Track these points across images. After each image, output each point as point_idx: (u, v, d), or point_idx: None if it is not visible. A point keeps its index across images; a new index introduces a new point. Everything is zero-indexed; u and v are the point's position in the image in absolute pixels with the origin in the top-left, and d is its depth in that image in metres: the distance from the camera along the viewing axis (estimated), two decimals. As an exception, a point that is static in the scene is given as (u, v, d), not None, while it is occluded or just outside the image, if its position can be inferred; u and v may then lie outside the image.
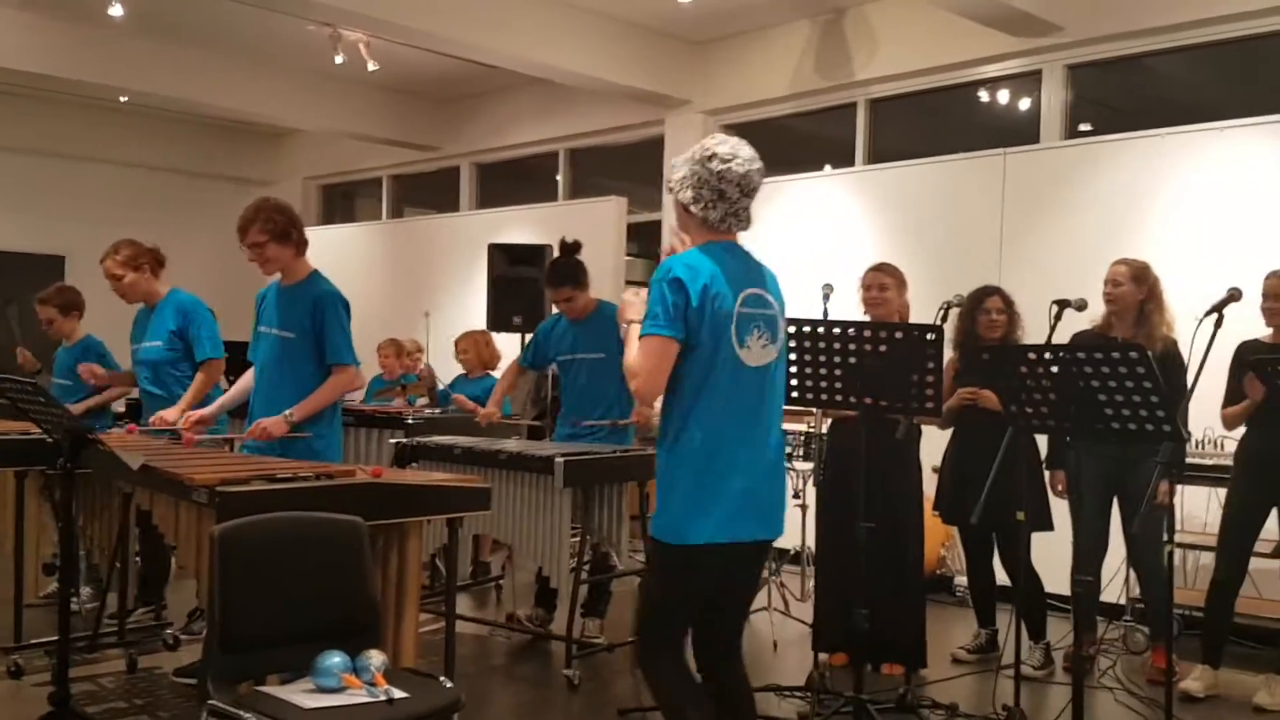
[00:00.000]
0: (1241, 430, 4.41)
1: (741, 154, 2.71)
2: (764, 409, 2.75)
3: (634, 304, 2.80)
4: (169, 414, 4.38)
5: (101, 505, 4.37)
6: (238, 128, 11.20)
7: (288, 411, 3.80)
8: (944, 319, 4.22)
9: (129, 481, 3.65)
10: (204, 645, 2.69)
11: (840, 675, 4.30)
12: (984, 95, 7.30)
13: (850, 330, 3.67)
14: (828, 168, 7.74)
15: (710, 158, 2.69)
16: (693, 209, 2.72)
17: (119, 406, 5.87)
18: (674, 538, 2.69)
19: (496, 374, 7.05)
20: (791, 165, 7.79)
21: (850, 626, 3.68)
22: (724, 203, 2.70)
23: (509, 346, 7.56)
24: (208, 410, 4.23)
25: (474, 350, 6.86)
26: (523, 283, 7.39)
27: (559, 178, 9.64)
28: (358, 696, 2.55)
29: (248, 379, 4.20)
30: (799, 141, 8.40)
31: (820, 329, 3.69)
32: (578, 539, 4.52)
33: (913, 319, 4.58)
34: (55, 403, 3.58)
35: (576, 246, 4.85)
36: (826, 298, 4.58)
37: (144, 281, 4.75)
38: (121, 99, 9.54)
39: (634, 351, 2.69)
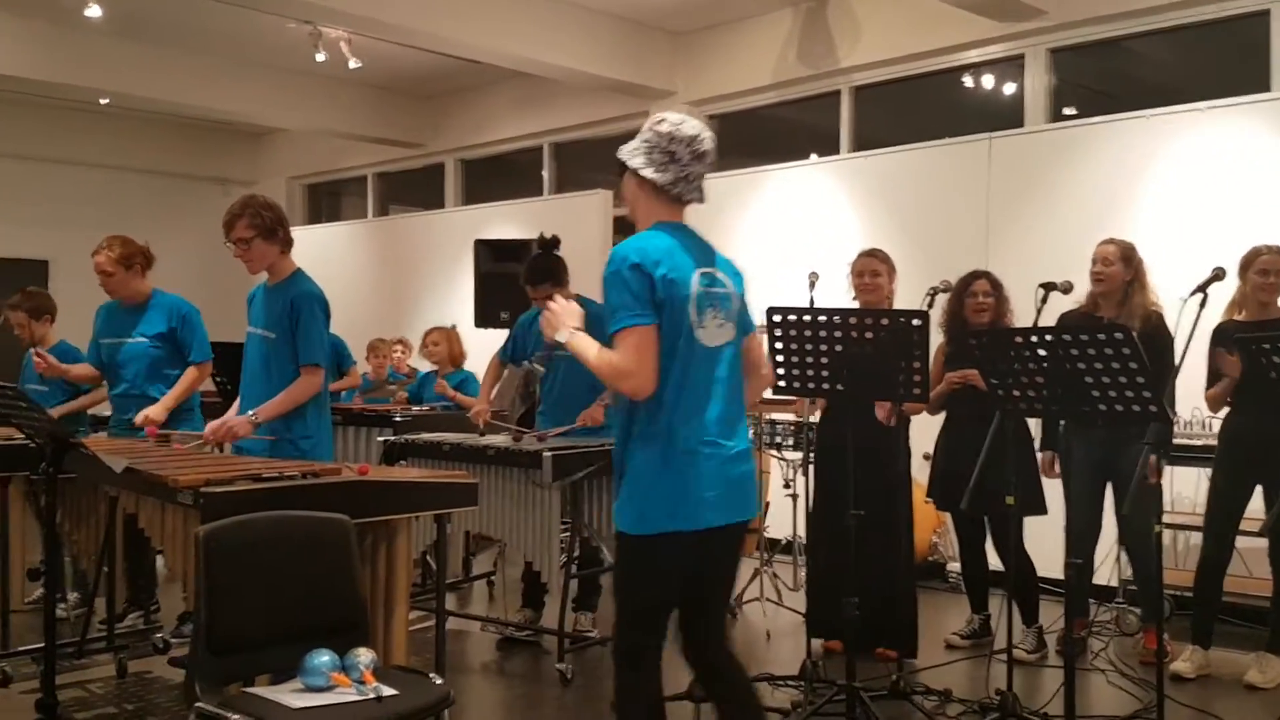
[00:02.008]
0: (1226, 410, 4.41)
1: (691, 120, 2.70)
2: (721, 388, 2.68)
3: (567, 311, 2.70)
4: (154, 411, 4.42)
5: (87, 509, 4.35)
6: (220, 128, 11.14)
7: (252, 412, 3.76)
8: (930, 304, 4.21)
9: (113, 485, 3.62)
10: (191, 647, 2.66)
11: (834, 663, 4.30)
12: (968, 80, 7.29)
13: (836, 318, 3.65)
14: (813, 156, 7.72)
15: (660, 122, 2.69)
16: (644, 173, 2.66)
17: (103, 410, 5.83)
18: (644, 527, 2.61)
19: (470, 369, 7.04)
20: (776, 154, 7.78)
21: (844, 614, 3.68)
22: (675, 165, 2.65)
23: (496, 342, 7.54)
24: (154, 410, 4.38)
25: (445, 344, 6.82)
26: (509, 278, 7.34)
27: (544, 172, 9.62)
28: (346, 695, 2.53)
29: (188, 378, 4.51)
30: (784, 131, 8.39)
31: (806, 317, 3.67)
32: (568, 533, 4.51)
33: (899, 305, 4.58)
34: (36, 407, 3.55)
35: (555, 242, 4.82)
36: (813, 285, 4.56)
37: (133, 279, 4.75)
38: (102, 101, 9.48)
39: (596, 353, 2.60)
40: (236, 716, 2.41)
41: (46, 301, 5.41)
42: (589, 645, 4.75)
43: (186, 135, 11.13)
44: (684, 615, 2.78)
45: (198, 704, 2.52)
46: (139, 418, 4.34)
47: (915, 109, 7.73)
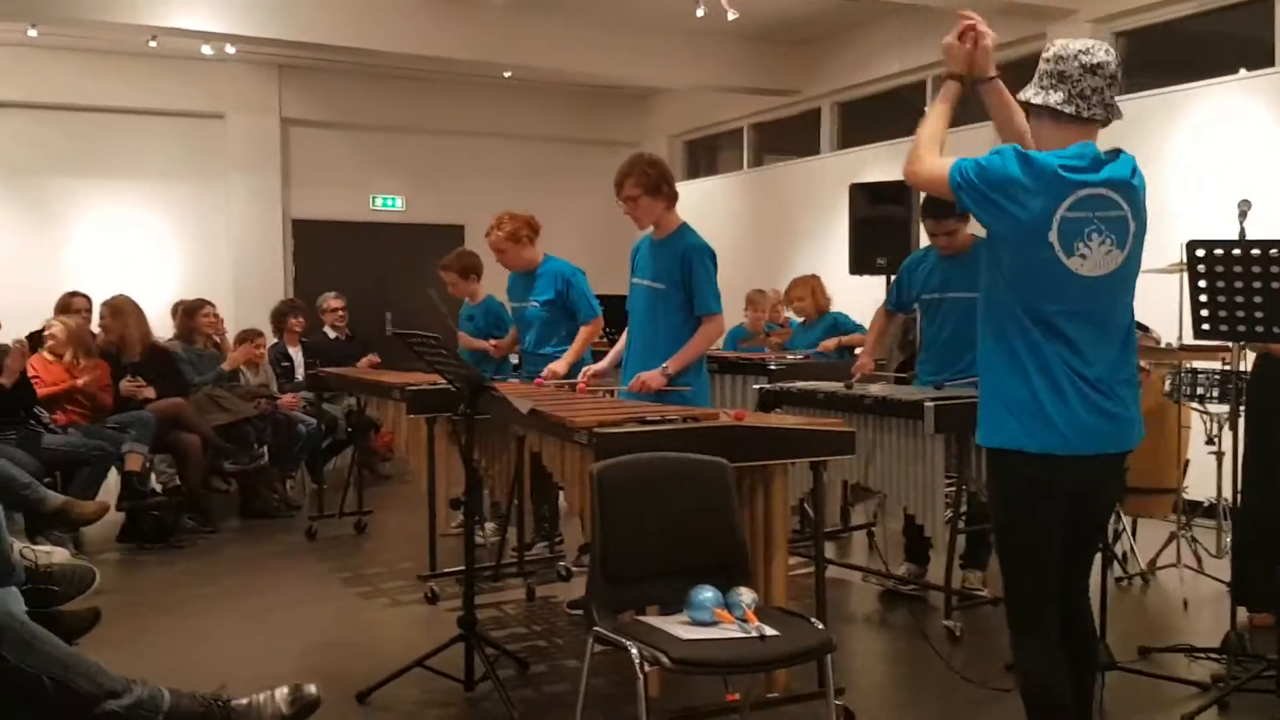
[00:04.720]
0: None
1: (1081, 39, 2.60)
2: (1105, 320, 2.55)
3: (960, 52, 2.85)
4: (558, 366, 4.73)
5: (500, 447, 4.78)
6: (607, 92, 11.73)
7: (664, 365, 3.94)
8: (1394, 232, 3.55)
9: (521, 425, 3.93)
10: (588, 577, 2.83)
11: (1261, 639, 3.79)
12: None
13: (1273, 251, 3.20)
14: (1241, 71, 6.76)
15: (1046, 50, 2.62)
16: (1034, 100, 2.58)
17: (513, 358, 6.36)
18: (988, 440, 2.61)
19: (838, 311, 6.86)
20: (1197, 72, 6.90)
21: (1276, 584, 3.23)
22: (1065, 83, 2.52)
23: (871, 288, 7.35)
24: (602, 364, 4.55)
25: (810, 297, 6.69)
26: (886, 222, 7.11)
27: (926, 108, 9.18)
28: (730, 631, 2.58)
29: (582, 335, 4.65)
30: (1205, 44, 7.41)
31: (1236, 251, 3.27)
32: (953, 487, 4.31)
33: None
34: (456, 354, 3.92)
35: None
36: (1243, 215, 3.99)
37: (524, 251, 5.18)
38: (505, 75, 10.28)
39: (931, 128, 2.85)
40: (630, 642, 2.53)
41: (474, 261, 5.98)
42: (979, 604, 4.53)
43: (577, 102, 11.83)
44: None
45: (596, 628, 2.67)
46: (545, 373, 4.70)
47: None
